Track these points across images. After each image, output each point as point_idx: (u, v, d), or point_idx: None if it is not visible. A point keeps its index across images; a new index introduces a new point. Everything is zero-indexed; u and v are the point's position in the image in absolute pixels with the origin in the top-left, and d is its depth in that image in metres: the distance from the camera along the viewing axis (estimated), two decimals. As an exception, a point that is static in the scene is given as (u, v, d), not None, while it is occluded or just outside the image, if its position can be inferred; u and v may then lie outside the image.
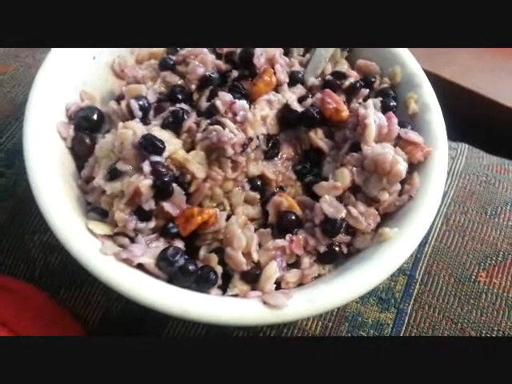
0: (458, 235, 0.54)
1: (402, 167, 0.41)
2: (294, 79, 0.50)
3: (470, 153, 0.65)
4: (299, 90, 0.50)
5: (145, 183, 0.37)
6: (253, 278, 0.40)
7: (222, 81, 0.48)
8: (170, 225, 0.40)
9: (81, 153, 0.44)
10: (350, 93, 0.50)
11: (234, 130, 0.41)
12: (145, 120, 0.43)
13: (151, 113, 0.44)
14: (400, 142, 0.44)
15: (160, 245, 0.39)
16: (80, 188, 0.43)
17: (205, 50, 0.47)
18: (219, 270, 0.40)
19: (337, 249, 0.42)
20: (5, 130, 0.58)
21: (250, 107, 0.44)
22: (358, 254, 0.43)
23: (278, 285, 0.40)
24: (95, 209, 0.40)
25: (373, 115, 0.43)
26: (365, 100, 0.49)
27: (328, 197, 0.42)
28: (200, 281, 0.38)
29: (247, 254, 0.40)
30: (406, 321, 0.49)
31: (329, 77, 0.50)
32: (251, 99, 0.46)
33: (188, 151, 0.42)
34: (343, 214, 0.42)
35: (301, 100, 0.49)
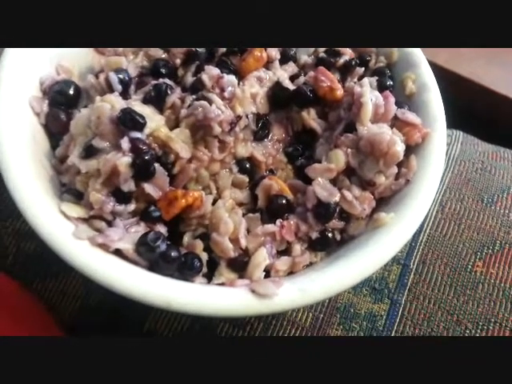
0: (453, 223, 0.52)
1: (400, 148, 0.39)
2: (286, 56, 0.47)
3: (465, 140, 0.63)
4: (291, 67, 0.47)
5: (123, 161, 0.34)
6: (240, 265, 0.37)
7: (209, 56, 0.45)
8: (152, 208, 0.37)
9: (55, 130, 0.41)
10: (345, 71, 0.47)
11: (221, 106, 0.38)
12: (125, 95, 0.40)
13: (132, 88, 0.41)
14: (397, 123, 0.42)
15: (140, 229, 0.36)
16: (54, 168, 0.40)
17: (191, 22, 0.44)
18: (204, 256, 0.37)
19: (330, 235, 0.40)
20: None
21: (238, 84, 0.42)
22: (351, 241, 0.40)
23: (267, 273, 0.38)
24: (70, 190, 0.37)
25: (369, 93, 0.41)
26: (360, 79, 0.46)
27: (321, 180, 0.40)
28: (183, 268, 0.35)
29: (234, 240, 0.37)
30: (400, 312, 0.47)
31: (322, 54, 0.48)
32: (240, 76, 0.44)
33: (172, 129, 0.39)
34: (337, 197, 0.39)
35: (293, 78, 0.46)
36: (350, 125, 0.42)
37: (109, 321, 0.45)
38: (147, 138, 0.37)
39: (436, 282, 0.49)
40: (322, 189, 0.39)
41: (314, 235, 0.39)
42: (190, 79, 0.42)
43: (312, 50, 0.49)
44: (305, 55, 0.48)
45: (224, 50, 0.45)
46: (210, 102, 0.38)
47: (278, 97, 0.44)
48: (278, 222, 0.39)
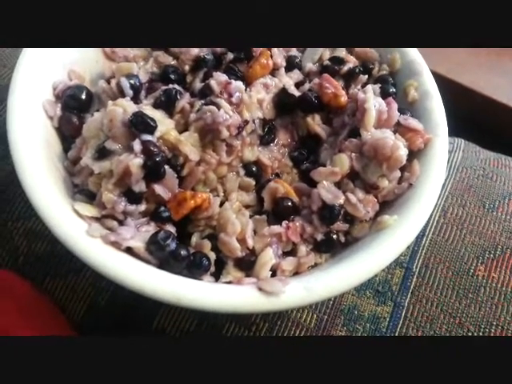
0: (455, 228, 0.53)
1: (403, 153, 0.40)
2: (291, 64, 0.48)
3: (467, 147, 0.64)
4: (296, 75, 0.48)
5: (135, 162, 0.35)
6: (247, 264, 0.38)
7: (217, 63, 0.46)
8: (162, 208, 0.38)
9: (68, 133, 0.42)
10: (349, 79, 0.48)
11: (229, 111, 0.40)
12: (135, 100, 0.41)
13: (142, 93, 0.43)
14: (399, 129, 0.43)
15: (150, 229, 0.37)
16: (66, 170, 0.41)
17: (199, 30, 0.46)
18: (212, 256, 0.38)
19: (334, 237, 0.41)
20: (-11, 113, 0.55)
21: (245, 90, 0.43)
22: (355, 243, 0.41)
23: (274, 273, 0.38)
24: (82, 191, 0.38)
25: (372, 100, 0.42)
26: (363, 86, 0.48)
27: (326, 183, 0.41)
28: (192, 267, 0.36)
29: (242, 240, 0.38)
30: (403, 314, 0.48)
31: (327, 62, 0.49)
32: (247, 82, 0.45)
33: (181, 133, 0.40)
34: (341, 200, 0.40)
35: (298, 85, 0.47)
36: (354, 130, 0.43)
37: (117, 320, 0.45)
38: (158, 140, 0.38)
39: (439, 285, 0.49)
40: (326, 191, 0.40)
41: (319, 237, 0.40)
42: (198, 85, 0.43)
43: (317, 57, 0.50)
44: (310, 63, 0.50)
45: (231, 57, 0.46)
46: (219, 106, 0.40)
47: (283, 103, 0.45)
48: (284, 223, 0.40)
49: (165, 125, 0.39)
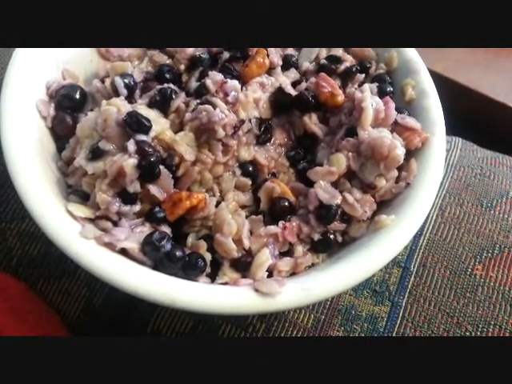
0: (453, 227, 0.53)
1: (400, 152, 0.40)
2: (288, 63, 0.48)
3: (464, 146, 0.64)
4: (293, 74, 0.48)
5: (129, 162, 0.35)
6: (243, 265, 0.37)
7: (213, 62, 0.46)
8: (156, 209, 0.38)
9: (62, 133, 0.41)
10: (346, 78, 0.48)
11: (225, 110, 0.39)
12: (130, 100, 0.41)
13: (137, 92, 0.42)
14: (397, 128, 0.43)
15: (145, 230, 0.37)
16: (60, 170, 0.40)
17: (195, 29, 0.45)
18: (208, 257, 0.38)
19: (331, 237, 0.40)
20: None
21: (241, 89, 0.42)
22: (353, 242, 0.41)
23: (270, 274, 0.38)
24: (76, 191, 0.38)
25: (369, 99, 0.42)
26: (360, 85, 0.47)
27: (323, 182, 0.40)
28: (187, 268, 0.36)
29: (238, 241, 0.38)
30: (400, 314, 0.47)
31: (323, 61, 0.48)
32: (243, 81, 0.44)
33: (176, 132, 0.40)
34: (338, 200, 0.40)
35: (295, 84, 0.47)
36: (351, 129, 0.42)
37: (113, 321, 0.45)
38: (152, 140, 0.38)
39: (436, 284, 0.49)
40: (323, 191, 0.40)
41: (316, 237, 0.40)
42: (193, 84, 0.43)
43: (313, 56, 0.50)
44: (306, 62, 0.49)
45: (227, 56, 0.46)
46: (214, 106, 0.39)
47: (280, 102, 0.45)
48: (281, 223, 0.39)
49: (160, 124, 0.38)
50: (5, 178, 0.49)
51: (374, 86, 0.45)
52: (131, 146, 0.36)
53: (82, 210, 0.36)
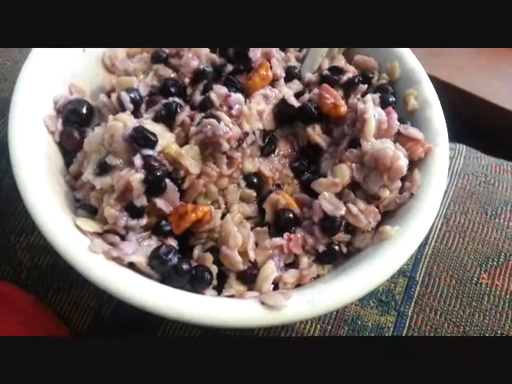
0: (458, 236, 0.53)
1: (403, 163, 0.40)
2: (291, 74, 0.49)
3: (468, 153, 0.64)
4: (296, 85, 0.48)
5: (136, 177, 0.36)
6: (249, 278, 0.38)
7: (217, 75, 0.47)
8: (163, 222, 0.38)
9: (69, 147, 0.42)
10: (348, 88, 0.48)
11: (229, 123, 0.40)
12: (136, 113, 0.42)
13: (143, 106, 0.43)
14: (400, 138, 0.43)
15: (152, 243, 0.37)
16: (68, 184, 0.41)
17: (199, 42, 0.46)
18: (214, 269, 0.38)
19: (336, 248, 0.41)
20: (-10, 126, 0.56)
21: (245, 102, 0.43)
22: (357, 254, 0.41)
23: (276, 286, 0.38)
24: (84, 206, 0.39)
25: (372, 110, 0.42)
26: (363, 96, 0.48)
27: (327, 194, 0.41)
28: (194, 281, 0.36)
29: (243, 253, 0.38)
30: (407, 324, 0.47)
31: (326, 72, 0.49)
32: (247, 94, 0.45)
33: (181, 146, 0.40)
34: (343, 211, 0.40)
35: (298, 95, 0.47)
36: (354, 140, 0.43)
37: (121, 332, 0.45)
38: (158, 154, 0.38)
39: (442, 293, 0.49)
40: (327, 203, 0.40)
41: (321, 248, 0.40)
42: (198, 98, 0.44)
43: (316, 67, 0.50)
44: (309, 73, 0.50)
45: (231, 68, 0.46)
46: (219, 119, 0.40)
47: (283, 113, 0.46)
48: (286, 235, 0.40)
49: (165, 138, 0.39)
50: (14, 191, 0.50)
51: (377, 96, 0.46)
52: (138, 160, 0.36)
53: (90, 225, 0.36)
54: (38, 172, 0.38)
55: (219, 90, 0.41)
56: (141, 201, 0.37)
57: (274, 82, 0.47)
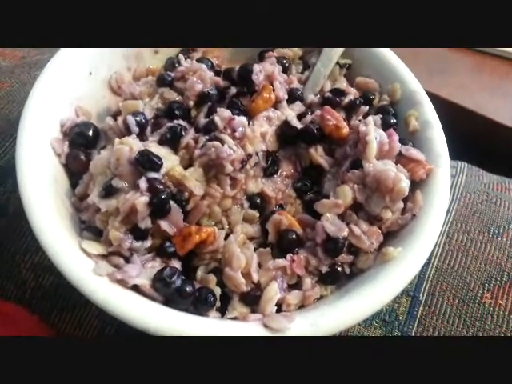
0: (461, 255, 0.53)
1: (405, 185, 0.40)
2: (293, 96, 0.49)
3: (470, 171, 0.64)
4: (298, 106, 0.49)
5: (141, 200, 0.36)
6: (253, 299, 0.38)
7: (221, 97, 0.47)
8: (167, 244, 0.39)
9: (75, 169, 0.43)
10: (350, 110, 0.49)
11: (232, 146, 0.40)
12: (142, 136, 0.42)
13: (148, 129, 0.43)
14: (401, 160, 0.44)
15: (156, 265, 0.38)
16: (74, 206, 0.41)
17: (203, 66, 0.47)
18: (218, 291, 0.38)
19: (339, 269, 0.41)
20: (-2, 146, 0.56)
21: (248, 124, 0.44)
22: (361, 274, 0.41)
23: (279, 307, 0.39)
24: (89, 228, 0.39)
25: (373, 132, 0.43)
26: (364, 117, 0.48)
27: (329, 215, 0.41)
28: (198, 303, 0.36)
29: (247, 275, 0.39)
30: (410, 344, 0.47)
31: (328, 94, 0.50)
32: (250, 116, 0.46)
33: (186, 168, 0.41)
34: (345, 232, 0.41)
35: (300, 117, 0.48)
36: (356, 161, 0.43)
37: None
38: (163, 177, 0.39)
39: (445, 313, 0.49)
40: (330, 224, 0.41)
41: (324, 269, 0.40)
42: (202, 120, 0.44)
43: (318, 89, 0.51)
44: (311, 94, 0.51)
45: (234, 91, 0.47)
46: (222, 142, 0.40)
47: (286, 135, 0.46)
48: (289, 256, 0.40)
49: (170, 161, 0.40)
50: (20, 211, 0.51)
51: (378, 117, 0.46)
52: (143, 183, 0.37)
53: (95, 247, 0.37)
54: (43, 193, 0.39)
55: (223, 113, 0.42)
56: (145, 223, 0.37)
57: (276, 104, 0.48)
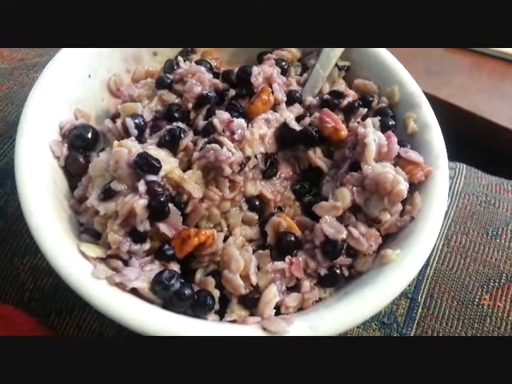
0: (459, 257, 0.53)
1: (404, 187, 0.40)
2: (292, 98, 0.49)
3: (469, 173, 0.64)
4: (297, 109, 0.49)
5: (140, 203, 0.36)
6: (251, 302, 0.38)
7: (220, 100, 0.47)
8: (166, 246, 0.39)
9: (74, 172, 0.43)
10: (348, 112, 0.49)
11: (231, 148, 0.40)
12: (140, 139, 0.42)
13: (147, 131, 0.43)
14: (400, 162, 0.44)
15: (155, 268, 0.38)
16: (72, 208, 0.41)
17: (202, 68, 0.47)
18: (216, 294, 0.38)
19: (338, 271, 0.41)
20: (-3, 148, 0.56)
21: (247, 126, 0.44)
22: (359, 276, 0.41)
23: (278, 309, 0.39)
24: (88, 230, 0.39)
25: (372, 134, 0.43)
26: (363, 119, 0.48)
27: (328, 217, 0.41)
28: (196, 306, 0.36)
29: (245, 277, 0.39)
30: (408, 346, 0.47)
31: (327, 96, 0.50)
32: (249, 118, 0.46)
33: (185, 170, 0.41)
34: (344, 234, 0.41)
35: (299, 119, 0.48)
36: (355, 163, 0.43)
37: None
38: (162, 179, 0.39)
39: (444, 315, 0.49)
40: (329, 226, 0.41)
41: (323, 271, 0.40)
42: (201, 122, 0.44)
43: (317, 91, 0.51)
44: (310, 97, 0.51)
45: (233, 93, 0.47)
46: (221, 144, 0.40)
47: (285, 137, 0.46)
48: (287, 258, 0.40)
49: (169, 163, 0.40)
50: (18, 214, 0.51)
51: (377, 120, 0.46)
52: (142, 186, 0.37)
53: (93, 250, 0.37)
54: (42, 196, 0.39)
55: (222, 116, 0.42)
56: (144, 226, 0.37)
57: (275, 106, 0.48)
